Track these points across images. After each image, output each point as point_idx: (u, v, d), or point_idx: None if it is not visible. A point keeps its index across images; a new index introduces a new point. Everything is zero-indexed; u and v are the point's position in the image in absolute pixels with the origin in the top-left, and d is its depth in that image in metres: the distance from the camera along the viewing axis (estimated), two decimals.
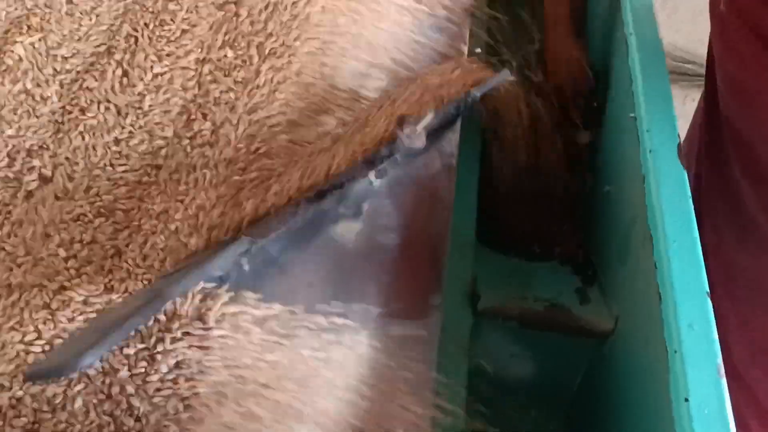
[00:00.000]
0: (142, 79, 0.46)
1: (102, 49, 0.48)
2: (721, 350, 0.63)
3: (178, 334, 0.33)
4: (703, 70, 1.72)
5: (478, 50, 0.53)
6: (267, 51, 0.45)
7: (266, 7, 0.47)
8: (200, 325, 0.33)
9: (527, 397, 0.58)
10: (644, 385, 0.40)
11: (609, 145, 0.56)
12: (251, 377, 0.33)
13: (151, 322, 0.33)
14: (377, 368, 0.38)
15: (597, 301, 0.54)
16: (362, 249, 0.43)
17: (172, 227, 0.38)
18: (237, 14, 0.47)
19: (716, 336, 0.35)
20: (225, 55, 0.45)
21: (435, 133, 0.47)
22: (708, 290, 0.37)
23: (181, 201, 0.40)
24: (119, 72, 0.46)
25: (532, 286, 0.56)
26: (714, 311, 0.63)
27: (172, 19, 0.48)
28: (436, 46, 0.51)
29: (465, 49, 0.54)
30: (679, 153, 0.42)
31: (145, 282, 0.36)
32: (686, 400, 0.33)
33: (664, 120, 0.44)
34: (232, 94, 0.44)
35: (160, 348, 0.32)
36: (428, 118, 0.40)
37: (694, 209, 0.63)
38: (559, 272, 0.58)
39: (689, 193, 0.40)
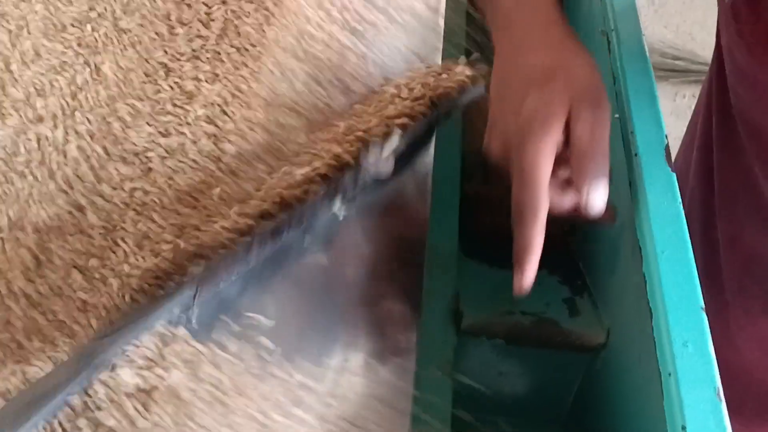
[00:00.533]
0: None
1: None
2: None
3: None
4: (693, 66, 1.71)
5: (472, 57, 0.49)
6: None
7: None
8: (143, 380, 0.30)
9: (520, 416, 0.55)
10: (639, 406, 0.37)
11: None
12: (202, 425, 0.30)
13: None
14: (351, 404, 0.35)
15: (587, 312, 0.51)
16: (331, 285, 0.40)
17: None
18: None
19: (713, 355, 0.32)
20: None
21: (407, 155, 0.44)
22: (703, 305, 0.34)
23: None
24: None
25: (519, 299, 0.53)
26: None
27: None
28: (402, 55, 0.49)
29: (438, 54, 0.51)
30: (666, 156, 0.39)
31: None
32: (683, 428, 0.30)
33: (650, 121, 0.41)
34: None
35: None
36: (394, 142, 0.37)
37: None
38: (548, 282, 0.55)
39: (679, 199, 0.38)
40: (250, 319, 0.36)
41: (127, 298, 0.32)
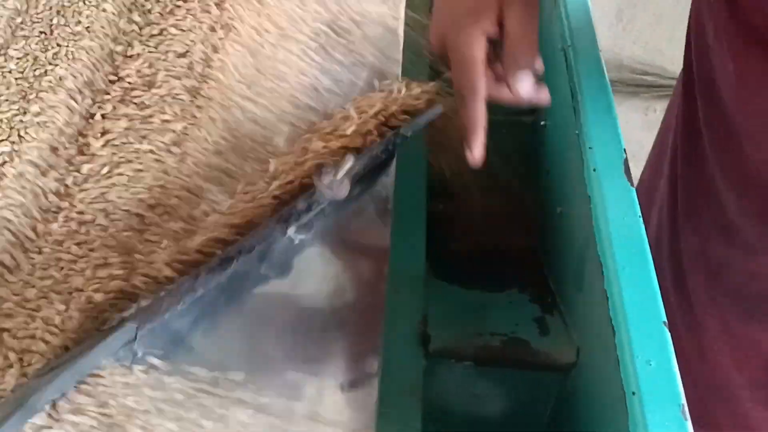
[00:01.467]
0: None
1: None
2: (703, 361, 0.62)
3: None
4: (663, 80, 1.73)
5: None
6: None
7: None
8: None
9: None
10: (607, 426, 0.36)
11: (555, 163, 0.53)
12: None
13: None
14: None
15: (557, 331, 0.50)
16: (291, 311, 0.39)
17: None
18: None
19: (677, 372, 0.32)
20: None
21: (366, 176, 0.43)
22: (665, 320, 0.33)
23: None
24: None
25: (489, 318, 0.53)
26: (695, 317, 0.61)
27: None
28: (361, 67, 0.48)
29: (398, 65, 0.50)
30: (626, 170, 0.39)
31: None
32: None
33: (608, 136, 0.41)
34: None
35: None
36: (348, 165, 0.37)
37: (672, 212, 0.62)
38: (518, 301, 0.55)
39: (639, 214, 0.37)
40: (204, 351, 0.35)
41: (69, 334, 0.31)
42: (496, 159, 0.57)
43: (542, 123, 0.60)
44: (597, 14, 1.70)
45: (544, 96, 0.43)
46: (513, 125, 0.64)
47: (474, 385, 0.52)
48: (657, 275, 0.61)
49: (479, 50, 0.41)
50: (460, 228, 0.60)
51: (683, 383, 0.52)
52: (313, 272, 0.41)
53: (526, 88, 0.41)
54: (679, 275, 0.58)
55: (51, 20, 0.45)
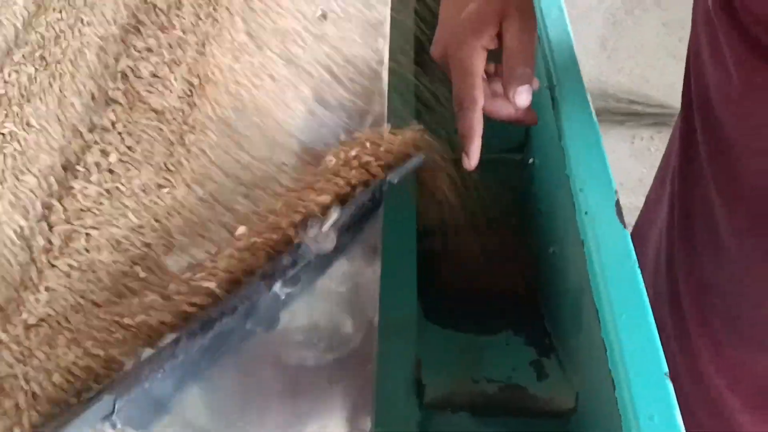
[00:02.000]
0: None
1: None
2: (697, 383, 0.61)
3: None
4: (649, 109, 1.74)
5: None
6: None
7: None
8: None
9: None
10: None
11: (546, 202, 0.52)
12: None
13: None
14: None
15: (555, 375, 0.49)
16: (278, 368, 0.38)
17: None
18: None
19: (681, 426, 0.30)
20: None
21: (353, 225, 0.42)
22: (667, 371, 0.32)
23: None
24: None
25: (484, 363, 0.51)
26: (688, 341, 0.60)
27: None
28: (345, 113, 0.47)
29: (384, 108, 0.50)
30: (617, 212, 0.38)
31: None
32: None
33: (598, 177, 0.40)
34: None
35: None
36: (334, 217, 0.36)
37: (669, 233, 0.62)
38: (513, 344, 0.53)
39: (634, 258, 0.36)
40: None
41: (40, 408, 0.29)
42: (487, 198, 0.56)
43: (530, 161, 0.60)
44: (581, 44, 1.72)
45: (532, 116, 0.45)
46: (503, 163, 0.64)
47: None
48: (654, 300, 0.60)
49: (478, 63, 0.44)
50: (452, 269, 0.59)
51: (679, 408, 0.50)
52: (300, 325, 0.39)
53: (524, 100, 0.43)
54: (675, 298, 0.58)
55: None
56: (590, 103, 0.45)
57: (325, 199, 0.36)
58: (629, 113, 1.57)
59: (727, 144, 0.48)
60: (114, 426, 0.29)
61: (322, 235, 0.35)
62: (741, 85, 0.45)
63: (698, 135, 0.50)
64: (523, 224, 0.61)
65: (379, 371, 0.42)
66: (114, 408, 0.29)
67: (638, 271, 0.36)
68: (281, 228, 0.35)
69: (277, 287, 0.35)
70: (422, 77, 0.60)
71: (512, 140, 0.62)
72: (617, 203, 0.39)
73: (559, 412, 0.47)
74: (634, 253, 0.36)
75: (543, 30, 0.50)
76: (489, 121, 0.55)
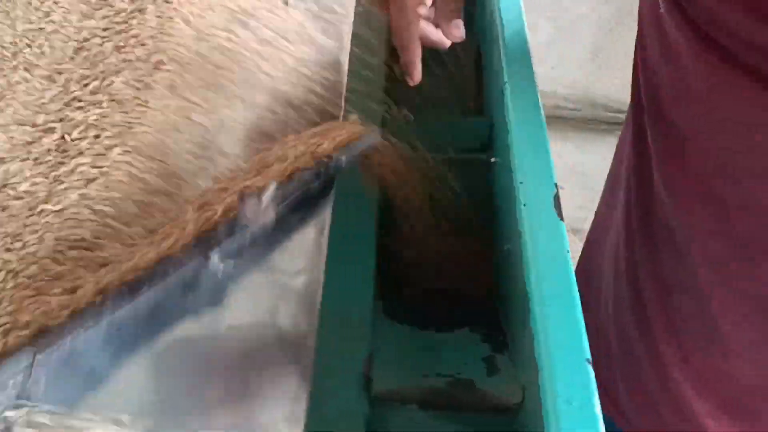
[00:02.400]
0: None
1: None
2: (667, 389, 0.61)
3: None
4: None
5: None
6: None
7: None
8: None
9: None
10: None
11: (503, 201, 0.53)
12: None
13: None
14: None
15: (506, 371, 0.49)
16: (216, 348, 0.38)
17: None
18: None
19: (599, 413, 0.30)
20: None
21: (302, 205, 0.42)
22: (590, 357, 0.32)
23: None
24: None
25: (438, 359, 0.51)
26: (654, 346, 0.60)
27: None
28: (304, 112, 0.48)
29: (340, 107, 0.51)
30: (556, 205, 0.39)
31: None
32: None
33: (538, 170, 0.40)
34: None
35: None
36: (271, 189, 0.36)
37: (628, 241, 0.62)
38: (469, 341, 0.53)
39: (567, 248, 0.37)
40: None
41: None
42: (449, 197, 0.57)
43: (492, 160, 0.60)
44: (572, 53, 1.74)
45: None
46: (466, 163, 0.64)
47: (420, 429, 0.50)
48: (615, 305, 0.60)
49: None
50: (413, 267, 0.59)
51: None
52: (242, 302, 0.40)
53: (458, 33, 0.52)
54: (639, 306, 0.58)
55: None
56: (539, 99, 0.45)
57: (263, 181, 0.37)
58: (618, 122, 1.58)
59: (681, 144, 0.49)
60: (37, 381, 0.29)
61: (261, 209, 0.36)
62: (699, 83, 0.46)
63: (649, 136, 0.51)
64: (486, 224, 0.61)
65: (327, 365, 0.43)
66: (33, 360, 0.29)
67: (569, 262, 0.36)
68: (218, 206, 0.36)
69: (215, 259, 0.35)
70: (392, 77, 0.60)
71: (476, 140, 0.62)
72: (556, 196, 0.39)
73: (507, 407, 0.47)
74: (567, 243, 0.37)
75: (499, 29, 0.51)
76: (453, 121, 0.56)
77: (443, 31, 0.53)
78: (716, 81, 0.44)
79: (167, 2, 0.46)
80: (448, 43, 0.55)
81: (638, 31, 0.53)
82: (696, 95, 0.46)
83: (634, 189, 0.56)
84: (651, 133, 0.52)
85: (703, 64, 0.45)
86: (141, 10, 0.46)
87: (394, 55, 0.61)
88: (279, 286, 0.45)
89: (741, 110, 0.43)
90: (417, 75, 0.54)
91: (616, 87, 1.69)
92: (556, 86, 1.64)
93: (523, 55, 0.49)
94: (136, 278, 0.32)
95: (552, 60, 1.73)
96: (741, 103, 0.43)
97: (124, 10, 0.47)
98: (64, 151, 0.39)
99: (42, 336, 0.30)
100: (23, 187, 0.37)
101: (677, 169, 0.50)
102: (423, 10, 0.54)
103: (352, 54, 0.54)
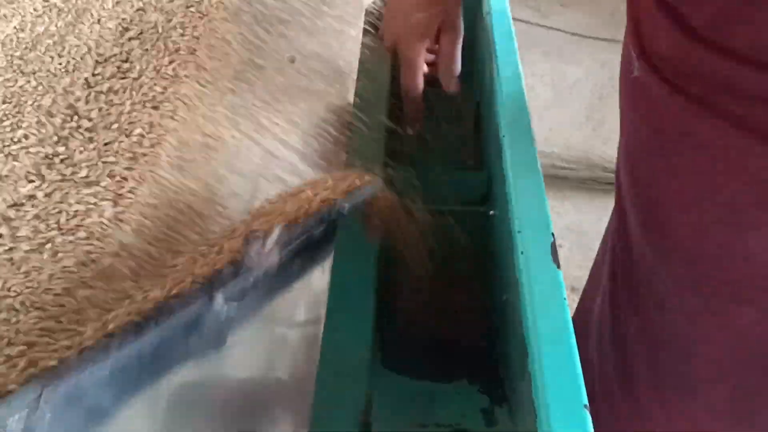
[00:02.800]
0: None
1: None
2: None
3: None
4: None
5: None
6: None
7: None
8: None
9: None
10: None
11: (501, 251, 0.53)
12: None
13: None
14: None
15: (505, 422, 0.49)
16: (216, 391, 0.38)
17: None
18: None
19: None
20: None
21: (305, 251, 0.43)
22: (587, 404, 0.32)
23: None
24: None
25: (436, 410, 0.51)
26: (638, 403, 0.60)
27: None
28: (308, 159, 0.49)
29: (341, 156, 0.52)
30: (552, 253, 0.39)
31: None
32: None
33: (536, 219, 0.41)
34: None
35: None
36: (276, 233, 0.37)
37: (613, 296, 0.63)
38: (467, 392, 0.54)
39: (564, 295, 0.37)
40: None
41: None
42: (448, 249, 0.57)
43: (491, 212, 0.61)
44: (568, 116, 1.77)
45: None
46: (465, 215, 0.65)
47: None
48: (600, 362, 0.61)
49: (421, 60, 0.61)
50: (411, 317, 0.60)
51: None
52: (241, 349, 0.40)
53: (453, 86, 0.64)
54: (622, 361, 0.58)
55: None
56: (536, 152, 0.47)
57: (268, 225, 0.38)
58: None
59: (654, 199, 0.50)
60: (42, 417, 0.29)
61: (265, 252, 0.36)
62: (669, 131, 0.47)
63: (625, 193, 0.52)
64: (484, 275, 0.62)
65: (325, 414, 0.43)
66: (40, 395, 0.29)
67: (567, 309, 0.37)
68: (224, 249, 0.36)
69: (219, 300, 0.36)
70: (394, 129, 0.62)
71: (475, 193, 0.64)
72: (553, 245, 0.40)
73: None
74: (564, 292, 0.38)
75: (497, 85, 0.53)
76: (452, 174, 0.57)
77: (443, 85, 0.63)
78: (686, 125, 0.46)
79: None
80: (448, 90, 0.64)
81: (620, 94, 0.56)
82: (665, 145, 0.48)
83: (618, 245, 0.57)
84: (626, 189, 0.53)
85: (678, 118, 0.46)
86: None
87: (395, 110, 0.63)
88: (278, 335, 0.45)
89: (709, 155, 0.45)
90: (418, 123, 0.61)
91: (612, 148, 1.73)
92: (553, 147, 1.67)
93: (520, 110, 0.51)
94: (143, 317, 0.33)
95: (550, 122, 1.77)
96: (708, 148, 0.45)
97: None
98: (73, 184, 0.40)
99: (48, 372, 0.30)
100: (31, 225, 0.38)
101: (652, 223, 0.51)
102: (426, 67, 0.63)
103: (355, 107, 0.56)
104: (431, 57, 0.66)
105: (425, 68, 0.63)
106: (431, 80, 0.67)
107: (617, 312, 0.58)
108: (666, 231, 0.50)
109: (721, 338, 0.51)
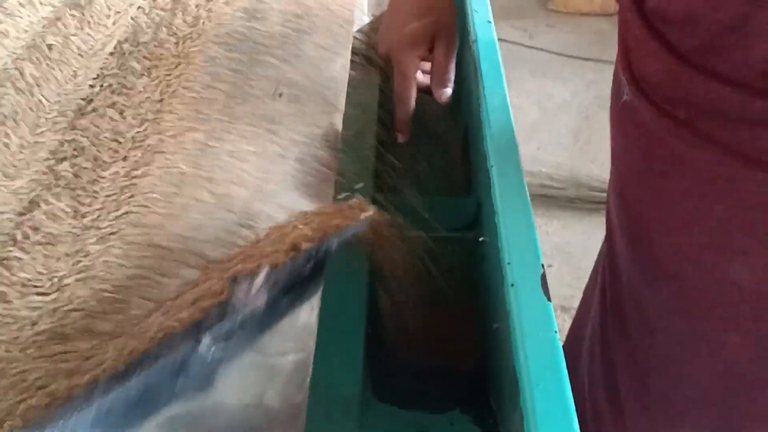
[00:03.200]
0: None
1: None
2: None
3: None
4: None
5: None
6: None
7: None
8: None
9: None
10: None
11: (491, 280, 0.53)
12: None
13: None
14: None
15: None
16: (208, 424, 0.38)
17: None
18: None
19: None
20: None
21: (294, 289, 0.43)
22: None
23: None
24: None
25: None
26: (627, 428, 0.60)
27: None
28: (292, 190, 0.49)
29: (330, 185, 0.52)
30: (543, 285, 0.39)
31: None
32: None
33: (526, 251, 0.41)
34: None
35: None
36: (263, 275, 0.37)
37: (603, 321, 0.63)
38: (459, 423, 0.53)
39: (555, 328, 0.37)
40: None
41: None
42: (439, 277, 0.57)
43: (481, 239, 0.61)
44: (555, 136, 1.78)
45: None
46: (454, 242, 0.65)
47: None
48: (590, 386, 0.60)
49: (414, 68, 0.61)
50: (401, 346, 0.59)
51: None
52: (231, 382, 0.40)
53: (446, 96, 0.62)
54: (611, 385, 0.58)
55: None
56: (524, 181, 0.47)
57: (255, 265, 0.37)
58: (602, 201, 1.61)
59: (643, 227, 0.51)
60: None
61: (252, 293, 0.36)
62: (659, 154, 0.48)
63: (615, 217, 0.53)
64: (474, 302, 0.62)
65: None
66: None
67: (558, 342, 0.36)
68: (210, 291, 0.36)
69: (206, 343, 0.35)
70: (383, 155, 0.62)
71: (463, 219, 0.64)
72: (543, 276, 0.40)
73: None
74: (555, 324, 0.37)
75: (485, 113, 0.53)
76: (441, 200, 0.57)
77: (435, 96, 0.63)
78: (675, 150, 0.46)
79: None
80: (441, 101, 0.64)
81: (611, 124, 0.56)
82: (654, 169, 0.48)
83: (608, 269, 0.57)
84: (615, 211, 0.54)
85: (662, 133, 0.47)
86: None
87: (383, 139, 0.63)
88: (268, 366, 0.44)
89: (696, 180, 0.45)
90: (407, 132, 0.62)
91: (598, 168, 1.74)
92: (541, 166, 1.68)
93: (508, 139, 0.51)
94: (129, 362, 0.32)
95: (538, 141, 1.78)
96: (696, 173, 0.45)
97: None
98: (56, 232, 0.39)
99: (35, 418, 0.30)
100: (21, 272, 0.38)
101: (640, 246, 0.51)
102: (420, 77, 0.64)
103: (344, 136, 0.56)
104: (426, 66, 0.67)
105: (420, 77, 0.63)
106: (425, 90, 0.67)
107: (606, 336, 0.58)
108: (653, 254, 0.50)
109: (709, 363, 0.51)
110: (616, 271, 0.55)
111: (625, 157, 0.52)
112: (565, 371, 0.35)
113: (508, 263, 0.41)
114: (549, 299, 0.39)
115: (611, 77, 0.55)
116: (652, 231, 0.50)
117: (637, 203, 0.51)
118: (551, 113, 1.88)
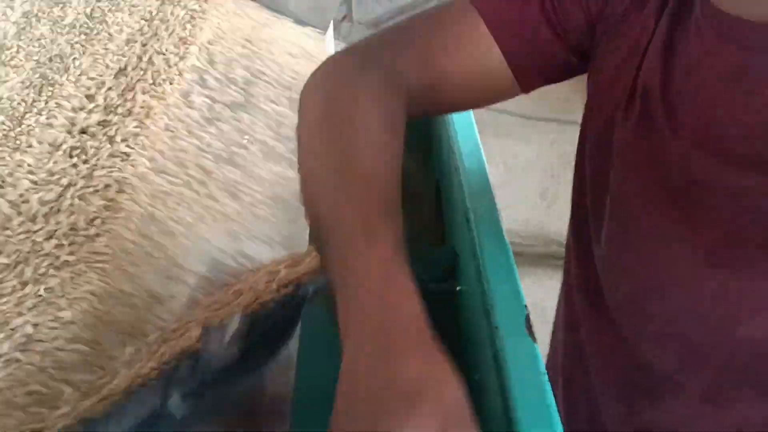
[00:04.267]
0: None
1: None
2: None
3: None
4: None
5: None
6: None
7: None
8: None
9: None
10: None
11: (471, 329, 0.52)
12: None
13: None
14: None
15: None
16: None
17: None
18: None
19: None
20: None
21: (269, 340, 0.41)
22: None
23: None
24: None
25: None
26: None
27: None
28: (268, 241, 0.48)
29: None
30: (527, 327, 0.38)
31: None
32: None
33: (509, 295, 0.40)
34: None
35: None
36: (234, 326, 0.35)
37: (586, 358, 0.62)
38: None
39: (542, 368, 0.36)
40: None
41: None
42: None
43: (458, 288, 0.60)
44: (523, 194, 1.80)
45: None
46: (431, 293, 0.64)
47: None
48: (573, 416, 0.59)
49: None
50: None
51: None
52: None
53: None
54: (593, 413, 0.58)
55: None
56: (503, 227, 0.47)
57: (227, 313, 0.36)
58: None
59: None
60: None
61: (224, 343, 0.34)
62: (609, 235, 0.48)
63: (572, 279, 0.53)
64: (452, 353, 0.60)
65: None
66: None
67: (547, 383, 0.35)
68: (181, 339, 0.34)
69: (176, 398, 0.33)
70: None
71: (440, 268, 0.63)
72: (527, 318, 0.39)
73: None
74: (543, 365, 0.36)
75: (460, 161, 0.53)
76: (416, 251, 0.56)
77: None
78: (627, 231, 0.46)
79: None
80: None
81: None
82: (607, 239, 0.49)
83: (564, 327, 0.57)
84: (575, 276, 0.54)
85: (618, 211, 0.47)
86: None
87: None
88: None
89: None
90: None
91: (566, 225, 1.76)
92: (510, 224, 1.69)
93: (482, 184, 0.51)
94: (91, 418, 0.30)
95: (504, 200, 1.80)
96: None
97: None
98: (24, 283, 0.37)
99: None
100: None
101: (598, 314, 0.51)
102: None
103: None
104: None
105: None
106: None
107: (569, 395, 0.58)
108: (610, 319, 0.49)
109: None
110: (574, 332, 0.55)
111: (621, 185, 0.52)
112: (556, 409, 0.34)
113: (491, 307, 0.40)
114: (535, 341, 0.38)
115: (574, 136, 0.56)
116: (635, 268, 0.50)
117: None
118: (517, 172, 1.92)
